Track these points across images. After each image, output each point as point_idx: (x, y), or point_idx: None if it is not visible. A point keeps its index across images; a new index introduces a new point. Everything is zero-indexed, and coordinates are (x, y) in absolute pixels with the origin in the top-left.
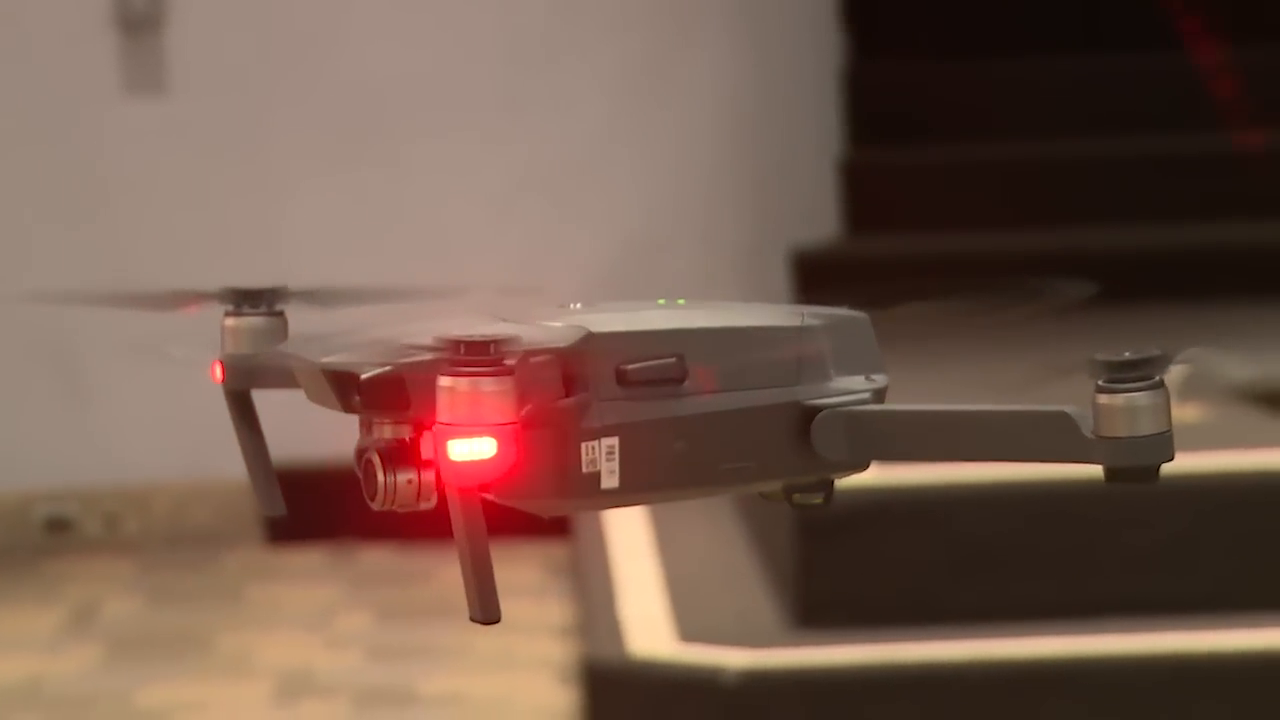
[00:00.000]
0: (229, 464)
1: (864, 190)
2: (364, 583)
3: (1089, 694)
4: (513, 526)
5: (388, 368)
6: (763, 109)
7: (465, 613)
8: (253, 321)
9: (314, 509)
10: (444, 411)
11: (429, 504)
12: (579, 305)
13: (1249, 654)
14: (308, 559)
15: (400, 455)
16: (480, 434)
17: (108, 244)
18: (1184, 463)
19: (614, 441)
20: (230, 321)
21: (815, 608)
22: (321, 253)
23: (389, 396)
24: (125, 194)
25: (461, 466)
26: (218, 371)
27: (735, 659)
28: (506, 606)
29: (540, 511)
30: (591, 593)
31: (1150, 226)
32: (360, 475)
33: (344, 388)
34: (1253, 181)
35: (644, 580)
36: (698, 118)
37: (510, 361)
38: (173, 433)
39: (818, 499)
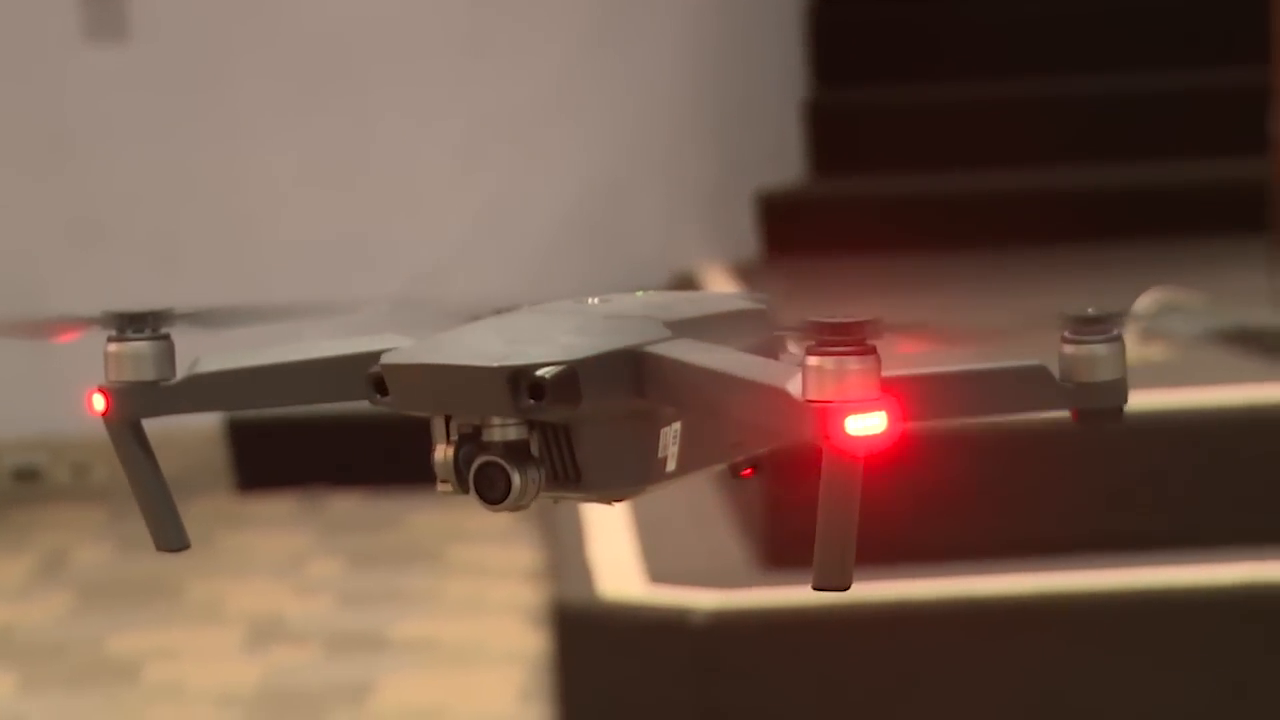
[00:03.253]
0: None
1: (829, 131)
2: (334, 530)
3: (1056, 630)
4: None
5: (563, 366)
6: (726, 50)
7: (435, 557)
8: (137, 346)
9: (283, 457)
10: (816, 390)
11: (535, 502)
12: (596, 300)
13: (1216, 588)
14: (277, 507)
15: (523, 455)
16: (876, 409)
17: (70, 191)
18: (1149, 399)
19: (679, 426)
20: (114, 347)
21: (783, 548)
22: (286, 199)
23: (568, 392)
24: (87, 141)
25: (857, 441)
26: (99, 402)
27: (704, 600)
28: (476, 551)
29: (604, 500)
30: (561, 536)
31: (1117, 165)
32: (464, 482)
33: (517, 387)
34: (1212, 119)
35: (613, 523)
36: (662, 60)
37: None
38: None
39: (750, 472)
